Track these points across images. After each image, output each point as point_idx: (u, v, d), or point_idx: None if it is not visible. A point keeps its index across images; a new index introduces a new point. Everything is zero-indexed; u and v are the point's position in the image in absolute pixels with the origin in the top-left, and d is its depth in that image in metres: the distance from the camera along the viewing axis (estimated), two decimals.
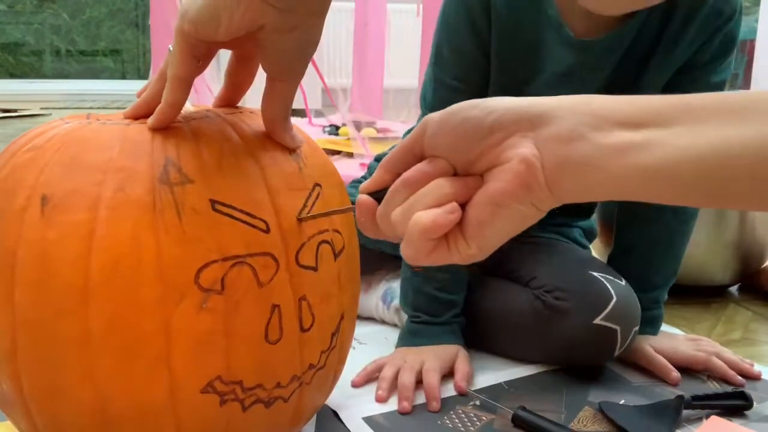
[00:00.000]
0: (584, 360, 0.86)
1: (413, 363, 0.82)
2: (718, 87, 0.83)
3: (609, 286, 0.83)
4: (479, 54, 0.83)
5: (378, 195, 0.45)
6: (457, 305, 0.89)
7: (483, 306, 0.91)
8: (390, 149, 0.47)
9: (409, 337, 0.88)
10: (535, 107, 0.40)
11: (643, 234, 0.90)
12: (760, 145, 0.35)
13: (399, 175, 0.44)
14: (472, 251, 0.43)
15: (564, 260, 0.90)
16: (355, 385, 0.82)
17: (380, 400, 0.78)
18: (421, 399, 0.79)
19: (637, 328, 0.84)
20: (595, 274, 0.84)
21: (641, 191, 0.38)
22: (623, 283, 0.85)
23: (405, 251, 0.43)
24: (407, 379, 0.80)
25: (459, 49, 0.83)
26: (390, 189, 0.44)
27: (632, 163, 0.37)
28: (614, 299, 0.81)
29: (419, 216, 0.41)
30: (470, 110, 0.42)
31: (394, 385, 0.80)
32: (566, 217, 0.98)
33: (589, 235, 1.03)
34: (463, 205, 0.42)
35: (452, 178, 0.42)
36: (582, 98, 0.40)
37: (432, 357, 0.83)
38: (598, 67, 0.82)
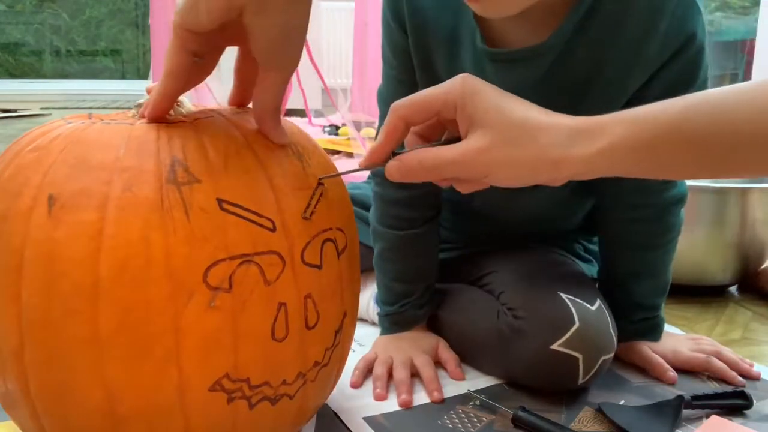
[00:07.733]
0: (545, 384, 0.80)
1: (403, 359, 0.83)
2: None
3: (573, 311, 0.76)
4: (407, 46, 0.79)
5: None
6: (410, 294, 0.88)
7: (452, 318, 0.90)
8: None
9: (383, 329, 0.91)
10: (529, 122, 0.54)
11: (628, 253, 0.86)
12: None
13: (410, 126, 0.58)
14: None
15: (538, 276, 0.83)
16: (354, 385, 0.82)
17: (380, 398, 0.78)
18: (420, 399, 0.79)
19: (608, 356, 0.77)
20: (563, 296, 0.77)
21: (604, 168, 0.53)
22: (593, 307, 0.78)
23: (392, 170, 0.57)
24: (403, 374, 0.81)
25: (390, 39, 0.80)
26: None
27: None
28: (576, 325, 0.75)
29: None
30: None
31: (389, 382, 0.81)
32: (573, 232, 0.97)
33: (594, 255, 0.97)
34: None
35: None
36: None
37: (418, 352, 0.84)
38: (516, 83, 0.65)
